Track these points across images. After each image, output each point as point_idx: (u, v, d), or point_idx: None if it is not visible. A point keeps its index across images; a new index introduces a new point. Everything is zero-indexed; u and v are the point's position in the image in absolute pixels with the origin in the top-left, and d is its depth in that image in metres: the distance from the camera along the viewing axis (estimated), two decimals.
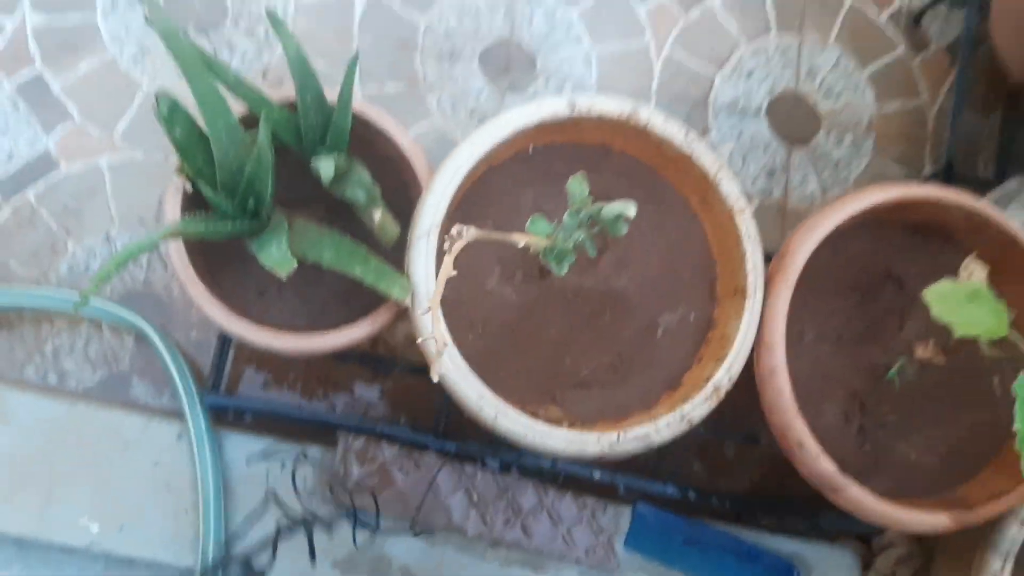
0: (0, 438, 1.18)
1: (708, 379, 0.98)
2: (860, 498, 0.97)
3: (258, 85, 0.98)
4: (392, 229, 0.95)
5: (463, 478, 1.22)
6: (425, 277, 0.94)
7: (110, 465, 1.19)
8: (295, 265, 0.85)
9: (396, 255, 0.99)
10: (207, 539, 1.15)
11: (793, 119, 1.50)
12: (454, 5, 1.44)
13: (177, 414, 1.22)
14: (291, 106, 1.01)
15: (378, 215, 0.93)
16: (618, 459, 0.99)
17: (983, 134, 1.54)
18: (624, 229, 0.71)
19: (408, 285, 0.93)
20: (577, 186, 0.75)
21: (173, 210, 0.98)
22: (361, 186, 0.93)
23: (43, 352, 1.26)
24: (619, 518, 1.25)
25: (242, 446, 1.21)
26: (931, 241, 1.12)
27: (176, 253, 0.96)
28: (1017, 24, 1.34)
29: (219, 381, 1.21)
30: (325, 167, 0.89)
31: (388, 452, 1.21)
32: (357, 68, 0.92)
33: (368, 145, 1.08)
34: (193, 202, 0.99)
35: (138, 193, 1.31)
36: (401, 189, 1.08)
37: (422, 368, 1.23)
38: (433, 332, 0.69)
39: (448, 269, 0.69)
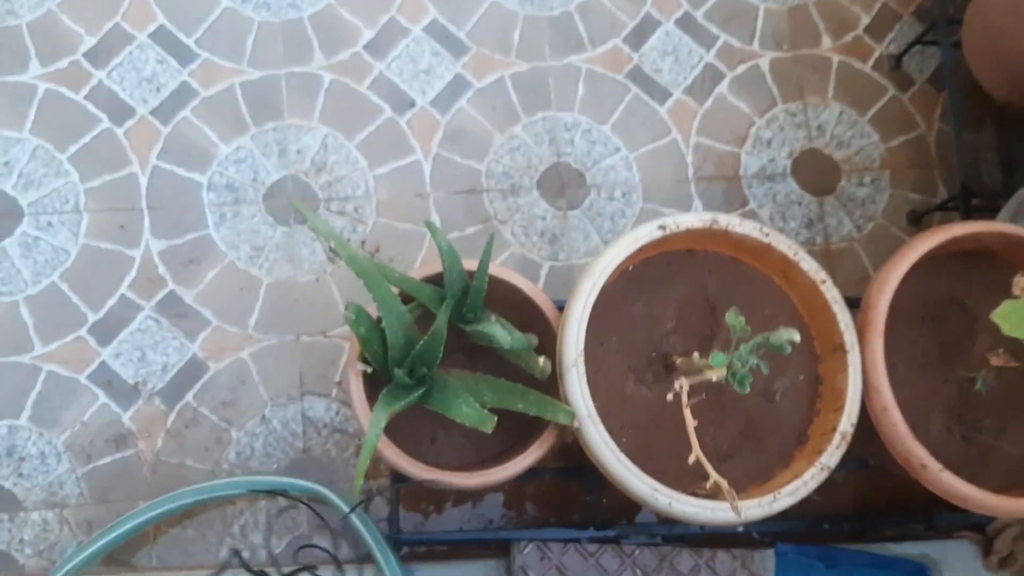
0: None
1: (834, 429, 1.15)
2: (986, 500, 1.13)
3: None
4: (547, 367, 1.12)
5: (625, 558, 1.37)
6: (583, 399, 1.11)
7: None
8: (495, 419, 1.02)
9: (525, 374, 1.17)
10: None
11: (816, 173, 1.70)
12: (505, 147, 1.63)
13: (359, 560, 1.38)
14: (429, 280, 1.20)
15: (542, 361, 1.11)
16: None
17: (981, 146, 1.74)
18: (789, 350, 0.88)
19: (571, 411, 1.11)
20: (734, 318, 0.93)
21: (358, 390, 1.15)
22: (520, 339, 1.11)
23: (232, 533, 1.42)
24: (765, 561, 1.41)
25: (430, 575, 1.37)
26: (978, 263, 1.31)
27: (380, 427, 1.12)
28: (990, 58, 1.54)
29: (397, 521, 1.37)
30: (502, 336, 1.07)
31: (556, 550, 1.36)
32: (492, 247, 1.10)
33: (492, 295, 1.25)
34: (369, 379, 1.17)
35: (280, 373, 1.49)
36: (527, 323, 1.25)
37: (566, 470, 1.40)
38: (717, 479, 0.85)
39: (691, 421, 0.87)
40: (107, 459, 1.42)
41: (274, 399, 1.48)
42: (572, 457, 1.35)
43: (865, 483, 1.53)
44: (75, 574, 1.30)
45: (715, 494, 1.16)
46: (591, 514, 1.43)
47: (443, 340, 1.08)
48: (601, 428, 1.11)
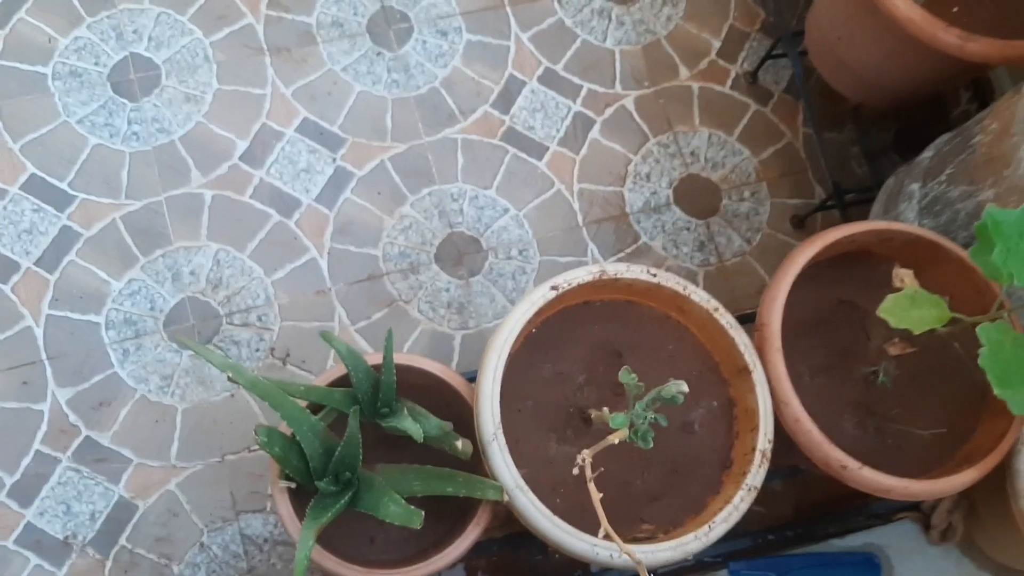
0: None
1: (754, 448, 1.19)
2: (908, 488, 1.18)
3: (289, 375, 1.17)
4: (468, 448, 1.14)
5: None
6: (508, 471, 1.13)
7: None
8: (423, 515, 1.03)
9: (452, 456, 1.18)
10: None
11: (697, 197, 1.76)
12: (397, 227, 1.66)
13: None
14: (337, 382, 1.21)
15: (460, 443, 1.12)
16: None
17: (844, 144, 1.82)
18: (682, 400, 0.91)
19: (500, 486, 1.12)
20: (627, 377, 0.96)
21: (286, 507, 1.15)
22: (434, 427, 1.12)
23: None
24: None
25: None
26: (857, 262, 1.37)
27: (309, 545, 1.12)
28: (835, 64, 1.62)
29: None
30: (414, 429, 1.08)
31: None
32: (392, 340, 1.12)
33: (405, 383, 1.27)
34: (296, 494, 1.17)
35: (211, 497, 1.47)
36: (444, 404, 1.27)
37: (512, 537, 1.41)
38: (626, 549, 0.87)
39: (596, 493, 0.89)
40: None
41: (209, 525, 1.46)
42: (517, 523, 1.35)
43: (802, 487, 1.57)
44: None
45: (655, 535, 1.19)
46: (545, 573, 1.44)
47: (359, 444, 1.09)
48: (531, 496, 1.13)
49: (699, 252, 1.72)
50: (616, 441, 0.92)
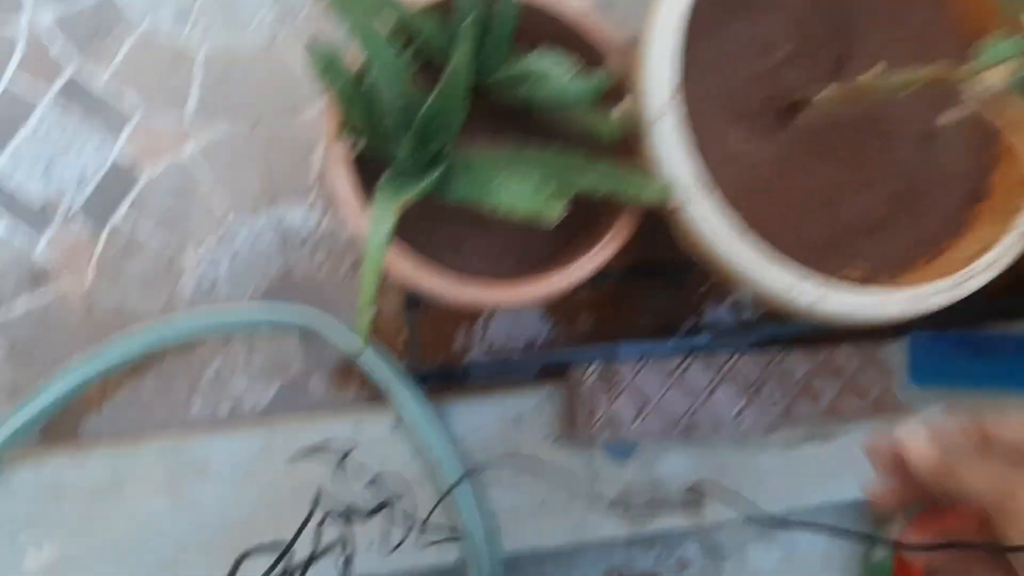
0: (205, 493, 1.02)
1: None
2: None
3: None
4: (631, 119, 0.75)
5: (720, 370, 1.06)
6: (682, 163, 0.75)
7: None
8: (563, 203, 0.67)
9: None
10: (470, 527, 1.00)
11: None
12: None
13: (372, 404, 1.07)
14: (431, 9, 0.80)
15: (620, 107, 0.73)
16: None
17: None
18: None
19: (664, 185, 0.74)
20: None
21: (343, 179, 0.78)
22: (580, 82, 0.72)
23: (204, 382, 1.09)
24: (897, 354, 1.09)
25: (463, 415, 1.05)
26: None
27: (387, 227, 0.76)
28: None
29: (418, 354, 1.04)
30: (555, 69, 0.68)
31: (627, 370, 1.04)
32: None
33: (521, 33, 0.86)
34: (359, 166, 0.80)
35: (239, 173, 1.11)
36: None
37: (636, 269, 1.05)
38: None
39: None
40: (22, 306, 1.07)
41: (237, 209, 1.11)
42: (649, 249, 0.99)
43: None
44: (5, 452, 0.98)
45: (870, 279, 0.83)
46: (663, 321, 1.11)
47: (464, 88, 0.70)
48: (715, 201, 0.76)
49: None
50: (992, 83, 0.53)
